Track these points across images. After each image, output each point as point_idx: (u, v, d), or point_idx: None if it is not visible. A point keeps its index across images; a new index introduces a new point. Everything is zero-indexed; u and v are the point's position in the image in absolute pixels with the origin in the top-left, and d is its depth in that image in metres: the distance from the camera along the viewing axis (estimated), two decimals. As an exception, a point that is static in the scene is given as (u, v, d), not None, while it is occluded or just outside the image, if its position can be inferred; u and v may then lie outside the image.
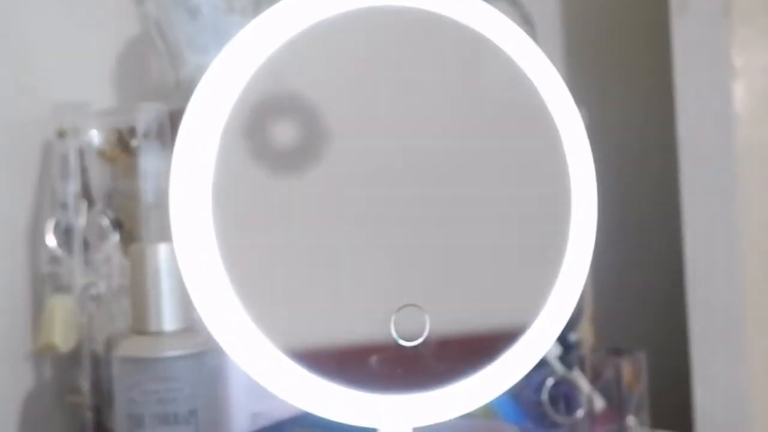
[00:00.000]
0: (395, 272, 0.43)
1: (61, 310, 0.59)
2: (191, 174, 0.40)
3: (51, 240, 0.61)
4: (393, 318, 0.43)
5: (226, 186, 0.40)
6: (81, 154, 0.60)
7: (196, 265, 0.40)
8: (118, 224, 0.61)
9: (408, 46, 0.45)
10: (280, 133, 0.42)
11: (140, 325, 0.52)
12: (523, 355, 0.45)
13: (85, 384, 0.60)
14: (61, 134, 0.60)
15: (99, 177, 0.63)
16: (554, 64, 0.89)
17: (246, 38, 0.41)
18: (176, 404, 0.51)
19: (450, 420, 0.44)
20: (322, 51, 0.43)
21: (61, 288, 0.61)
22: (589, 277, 0.82)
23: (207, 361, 0.52)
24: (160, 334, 0.52)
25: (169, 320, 0.52)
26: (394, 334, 0.43)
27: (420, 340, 0.43)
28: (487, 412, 0.68)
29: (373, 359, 0.43)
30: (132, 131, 0.59)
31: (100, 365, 0.60)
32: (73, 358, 0.61)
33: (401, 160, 0.43)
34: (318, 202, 0.42)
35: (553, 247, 0.46)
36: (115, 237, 0.61)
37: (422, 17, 0.45)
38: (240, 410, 0.55)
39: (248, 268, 0.41)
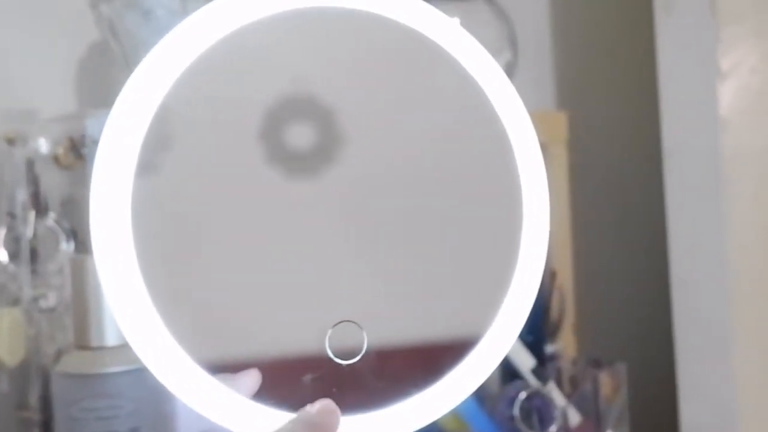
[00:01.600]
0: (331, 287, 0.41)
1: (9, 322, 0.57)
2: (111, 185, 0.39)
3: (1, 251, 0.60)
4: (327, 334, 0.41)
5: (146, 198, 0.39)
6: (30, 162, 0.58)
7: (117, 280, 0.39)
8: (72, 234, 0.60)
9: (349, 48, 0.43)
10: (207, 141, 0.40)
11: (82, 339, 0.50)
12: (470, 373, 0.43)
13: (33, 398, 0.58)
14: (9, 142, 0.58)
15: (56, 185, 0.61)
16: (540, 67, 0.87)
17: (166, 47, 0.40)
18: (117, 422, 0.49)
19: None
20: (261, 54, 0.41)
21: (9, 300, 0.59)
22: (572, 287, 0.80)
23: (150, 377, 0.50)
24: (101, 349, 0.50)
25: (111, 335, 0.50)
26: (329, 352, 0.41)
27: (357, 358, 0.41)
28: (460, 426, 0.66)
29: (307, 378, 0.40)
30: (83, 138, 0.57)
31: (50, 380, 0.58)
32: (22, 371, 0.59)
33: (338, 169, 0.41)
34: (249, 214, 0.40)
35: (504, 258, 0.44)
36: (69, 247, 0.59)
37: (365, 19, 0.43)
38: (186, 428, 0.53)
39: (171, 283, 0.39)
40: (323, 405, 0.38)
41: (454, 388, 0.43)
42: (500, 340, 0.43)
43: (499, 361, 0.44)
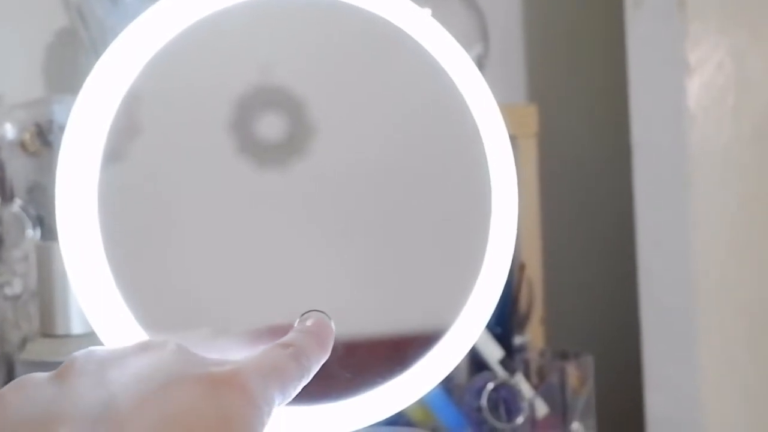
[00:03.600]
0: (299, 277, 0.41)
1: (-27, 310, 0.57)
2: (77, 172, 0.38)
3: (-35, 236, 0.59)
4: (296, 324, 0.40)
5: (114, 186, 0.38)
6: (-5, 147, 0.58)
7: (83, 267, 0.38)
8: (39, 221, 0.59)
9: (320, 38, 0.42)
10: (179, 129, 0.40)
11: (47, 327, 0.50)
12: (436, 364, 0.43)
13: (-3, 387, 0.57)
14: (-26, 127, 0.58)
15: (22, 172, 0.61)
16: (510, 61, 0.87)
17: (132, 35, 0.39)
18: (81, 411, 0.48)
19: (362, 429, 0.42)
20: (230, 42, 0.41)
21: (-27, 287, 0.58)
22: (540, 279, 0.81)
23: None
24: (67, 337, 0.50)
25: (77, 323, 0.50)
26: (296, 341, 0.40)
27: (324, 348, 0.41)
28: (427, 416, 0.66)
29: (274, 367, 0.40)
30: (50, 124, 0.57)
31: (14, 367, 0.57)
32: (-14, 359, 0.59)
33: (307, 160, 0.41)
34: (217, 203, 0.40)
35: (472, 250, 0.44)
36: (35, 234, 0.59)
37: (335, 9, 0.42)
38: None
39: (138, 271, 0.39)
40: (318, 317, 0.38)
41: (421, 378, 0.43)
42: (466, 332, 0.43)
43: (464, 353, 0.44)
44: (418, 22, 0.44)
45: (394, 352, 0.42)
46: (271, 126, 0.41)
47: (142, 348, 0.32)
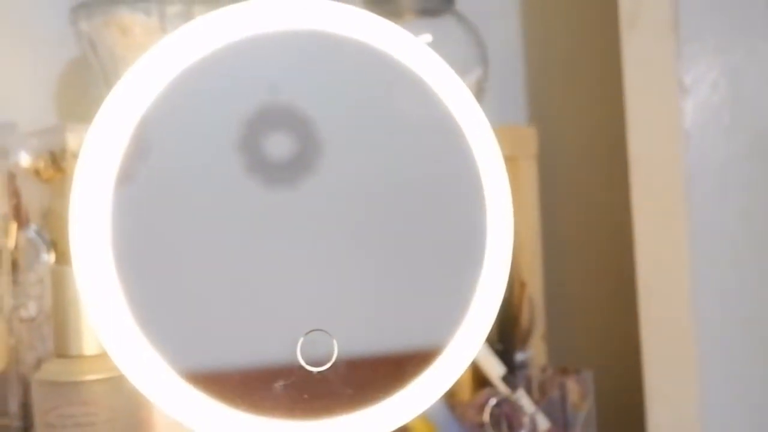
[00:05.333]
0: (302, 296, 0.43)
1: (-11, 332, 0.59)
2: (91, 192, 0.40)
3: (-19, 261, 0.61)
4: (299, 342, 0.42)
5: (124, 207, 0.40)
6: (12, 175, 0.60)
7: (95, 290, 0.40)
8: (53, 245, 0.61)
9: (325, 59, 0.44)
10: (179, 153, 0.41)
11: (61, 348, 0.52)
12: (435, 380, 0.44)
13: (13, 406, 0.59)
14: (-11, 155, 0.60)
15: (37, 198, 0.63)
16: (510, 84, 0.89)
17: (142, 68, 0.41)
18: (94, 429, 0.50)
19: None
20: (228, 77, 0.43)
21: (-11, 310, 0.60)
22: (542, 297, 0.82)
23: (128, 385, 0.52)
24: (80, 357, 0.51)
25: (90, 344, 0.52)
26: (300, 359, 0.42)
27: (327, 366, 0.42)
28: (430, 431, 0.68)
29: (279, 384, 0.42)
30: (63, 152, 0.58)
31: (29, 388, 0.59)
32: (3, 380, 0.60)
33: (308, 181, 0.43)
34: (221, 222, 0.42)
35: (468, 270, 0.45)
36: (49, 258, 0.60)
37: (328, 40, 0.44)
38: (162, 434, 0.54)
39: (148, 292, 0.40)
40: None
41: (421, 394, 0.44)
42: (465, 348, 0.45)
43: (462, 369, 0.45)
44: (416, 52, 0.45)
45: (396, 369, 0.44)
46: (279, 145, 0.43)
47: None
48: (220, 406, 0.41)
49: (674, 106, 0.75)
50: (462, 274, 0.45)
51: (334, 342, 0.43)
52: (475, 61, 0.76)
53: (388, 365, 0.44)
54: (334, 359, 0.43)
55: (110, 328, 0.40)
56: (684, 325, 0.76)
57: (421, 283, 0.45)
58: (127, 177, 0.40)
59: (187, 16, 0.59)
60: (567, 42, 0.96)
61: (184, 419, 0.41)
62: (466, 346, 0.45)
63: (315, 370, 0.42)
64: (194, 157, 0.42)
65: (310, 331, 0.42)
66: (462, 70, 0.80)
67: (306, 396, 0.42)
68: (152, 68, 0.41)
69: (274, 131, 0.43)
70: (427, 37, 0.74)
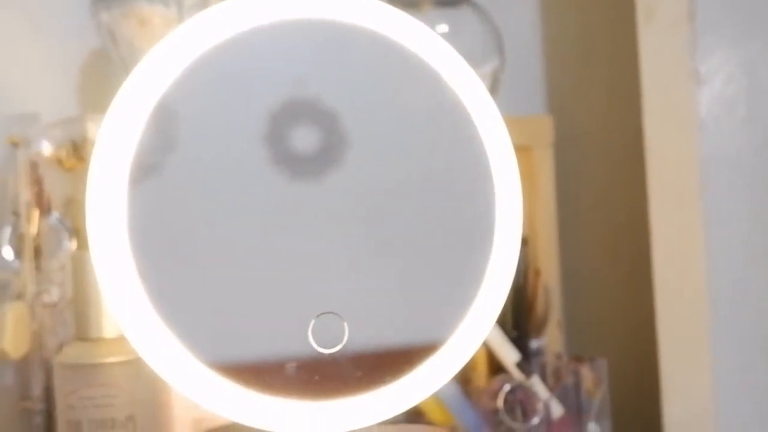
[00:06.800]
0: (315, 279, 0.44)
1: (13, 316, 0.60)
2: (107, 184, 0.41)
3: (6, 248, 0.62)
4: (311, 325, 0.43)
5: (150, 199, 0.41)
6: (34, 163, 0.61)
7: (114, 278, 0.41)
8: (74, 232, 0.62)
9: (326, 59, 0.45)
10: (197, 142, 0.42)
11: (82, 331, 0.53)
12: (442, 366, 0.45)
13: (36, 390, 0.61)
14: (14, 144, 0.61)
15: (59, 186, 0.64)
16: (526, 73, 0.89)
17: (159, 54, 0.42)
18: (113, 410, 0.51)
19: (374, 426, 0.45)
20: (242, 65, 0.43)
21: (14, 295, 0.62)
22: (558, 285, 0.82)
23: (146, 367, 0.53)
24: (100, 340, 0.53)
25: (110, 327, 0.53)
26: (312, 341, 0.43)
27: (338, 348, 0.43)
28: (446, 417, 0.68)
29: (291, 366, 0.43)
30: (84, 141, 0.60)
31: (51, 371, 0.61)
32: (26, 364, 0.62)
33: (323, 170, 0.44)
34: (237, 210, 0.43)
35: (476, 263, 0.46)
36: (71, 245, 0.62)
37: (342, 30, 0.45)
38: (180, 416, 0.55)
39: (168, 278, 0.41)
40: None
41: (430, 377, 0.45)
42: (473, 335, 0.46)
43: (467, 360, 0.46)
44: (432, 44, 0.46)
45: (405, 353, 0.45)
46: (304, 138, 0.43)
47: None
48: (235, 387, 0.42)
49: (690, 96, 0.75)
50: (471, 262, 0.46)
51: (345, 325, 0.44)
52: (492, 51, 0.77)
53: (398, 349, 0.45)
54: (344, 342, 0.44)
55: (128, 312, 0.41)
56: (699, 313, 0.76)
57: (432, 270, 0.46)
58: (152, 167, 0.41)
59: (204, 7, 0.60)
60: (583, 32, 0.96)
61: (200, 401, 0.42)
62: (475, 332, 0.46)
63: (326, 351, 0.43)
64: (220, 149, 0.42)
65: (322, 314, 0.43)
66: (478, 61, 0.81)
67: (317, 377, 0.43)
68: (171, 52, 0.42)
69: (300, 123, 0.43)
70: (444, 28, 0.75)
